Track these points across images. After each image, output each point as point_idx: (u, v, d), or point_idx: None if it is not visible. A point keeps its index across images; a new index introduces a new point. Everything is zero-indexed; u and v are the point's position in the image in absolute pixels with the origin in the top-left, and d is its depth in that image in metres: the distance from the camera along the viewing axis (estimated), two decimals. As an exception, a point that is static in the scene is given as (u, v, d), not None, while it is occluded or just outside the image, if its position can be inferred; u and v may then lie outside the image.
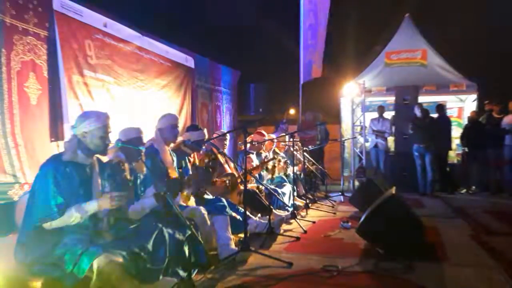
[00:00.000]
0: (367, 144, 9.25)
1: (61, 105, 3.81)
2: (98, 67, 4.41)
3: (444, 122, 8.23)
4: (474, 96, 9.32)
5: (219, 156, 4.59)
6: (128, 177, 2.84)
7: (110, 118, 2.55)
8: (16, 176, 3.32)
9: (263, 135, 5.89)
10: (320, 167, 7.48)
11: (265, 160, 5.80)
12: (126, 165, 2.86)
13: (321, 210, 5.96)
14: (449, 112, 9.65)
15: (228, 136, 4.92)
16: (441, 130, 7.97)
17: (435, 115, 8.32)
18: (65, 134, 3.74)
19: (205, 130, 4.00)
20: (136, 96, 5.07)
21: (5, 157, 3.26)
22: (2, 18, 3.28)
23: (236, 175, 4.62)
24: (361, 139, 9.32)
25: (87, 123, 2.45)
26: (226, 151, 4.85)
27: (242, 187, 4.23)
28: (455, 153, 9.59)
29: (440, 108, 8.28)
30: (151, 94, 5.40)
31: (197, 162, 4.25)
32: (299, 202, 6.03)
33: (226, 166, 4.71)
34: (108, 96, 4.55)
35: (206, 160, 3.81)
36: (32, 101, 3.56)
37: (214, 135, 4.83)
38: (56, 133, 3.75)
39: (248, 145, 5.15)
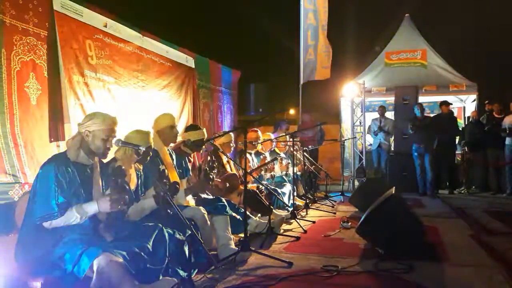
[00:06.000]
0: (367, 144, 9.25)
1: (61, 105, 3.80)
2: (99, 67, 4.40)
3: (449, 120, 8.20)
4: (474, 96, 9.33)
5: (222, 157, 4.60)
6: (134, 177, 2.85)
7: (117, 124, 2.56)
8: (17, 176, 3.32)
9: (256, 131, 5.84)
10: (319, 166, 7.49)
11: (265, 160, 5.80)
12: (133, 167, 2.87)
13: (321, 210, 5.96)
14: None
15: (232, 139, 4.92)
16: (447, 128, 7.95)
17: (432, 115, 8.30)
18: (66, 134, 3.73)
19: (204, 130, 4.00)
20: (137, 96, 5.06)
21: (5, 157, 3.26)
22: (2, 18, 3.28)
23: (237, 176, 4.62)
24: (365, 139, 9.31)
25: (92, 123, 2.46)
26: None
27: (242, 187, 4.23)
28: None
29: (445, 104, 8.19)
30: (152, 94, 5.40)
31: (197, 162, 4.25)
32: (299, 202, 6.03)
33: (227, 166, 4.71)
34: (109, 96, 4.55)
35: (205, 165, 3.80)
36: (32, 101, 3.57)
37: (216, 135, 4.83)
38: (56, 133, 3.74)
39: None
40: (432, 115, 9.07)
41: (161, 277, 2.46)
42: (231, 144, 4.88)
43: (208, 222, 3.35)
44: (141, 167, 3.03)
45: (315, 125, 8.34)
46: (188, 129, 4.00)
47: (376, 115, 9.15)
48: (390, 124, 8.79)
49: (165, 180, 2.70)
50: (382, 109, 8.96)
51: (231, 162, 4.79)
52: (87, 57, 4.25)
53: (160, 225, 2.62)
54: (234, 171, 4.78)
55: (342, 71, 10.78)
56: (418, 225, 3.74)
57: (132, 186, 2.85)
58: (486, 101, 8.43)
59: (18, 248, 2.33)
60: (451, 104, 8.48)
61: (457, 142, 8.75)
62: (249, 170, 5.05)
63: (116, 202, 2.35)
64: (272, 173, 5.88)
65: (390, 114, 9.48)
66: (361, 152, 9.24)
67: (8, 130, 3.31)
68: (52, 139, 3.72)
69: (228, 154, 4.79)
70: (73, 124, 3.78)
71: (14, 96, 3.38)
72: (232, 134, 5.04)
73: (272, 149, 6.53)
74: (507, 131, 7.45)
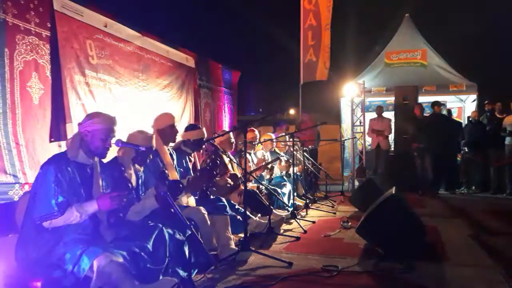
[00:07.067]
0: (367, 144, 9.25)
1: (63, 105, 3.81)
2: (100, 67, 4.41)
3: (443, 121, 8.17)
4: (474, 96, 9.33)
5: (223, 157, 4.59)
6: (133, 177, 2.85)
7: (117, 123, 2.56)
8: (17, 176, 3.32)
9: (253, 131, 5.82)
10: (319, 166, 7.49)
11: (265, 160, 5.80)
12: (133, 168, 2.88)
13: (321, 210, 5.96)
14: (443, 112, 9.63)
15: (232, 136, 4.90)
16: (441, 128, 7.91)
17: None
18: (68, 134, 3.73)
19: (204, 129, 4.00)
20: (138, 96, 5.07)
21: (6, 157, 3.26)
22: (4, 17, 3.28)
23: (239, 176, 4.61)
24: (365, 139, 9.30)
25: (91, 122, 2.46)
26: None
27: (242, 187, 4.23)
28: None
29: (437, 104, 8.12)
30: (153, 94, 5.40)
31: (197, 162, 4.25)
32: (299, 202, 6.03)
33: (229, 166, 4.69)
34: (110, 96, 4.55)
35: (205, 164, 3.81)
36: (34, 100, 3.57)
37: (215, 135, 4.82)
38: (58, 133, 3.74)
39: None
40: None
41: (161, 277, 2.47)
42: (231, 141, 4.85)
43: (208, 222, 3.35)
44: (141, 169, 3.03)
45: (315, 125, 8.33)
46: (187, 128, 4.00)
47: (375, 115, 9.15)
48: (387, 124, 8.80)
49: (166, 181, 2.70)
50: (379, 109, 8.99)
51: (233, 162, 4.77)
52: (88, 57, 4.25)
53: (160, 225, 2.63)
54: (236, 171, 4.77)
55: (342, 71, 10.80)
56: (418, 225, 3.74)
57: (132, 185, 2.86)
58: (486, 101, 8.43)
59: (18, 248, 2.33)
60: (443, 104, 8.46)
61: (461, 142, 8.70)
62: (250, 170, 5.05)
63: (116, 200, 2.35)
64: (271, 176, 5.86)
65: (390, 114, 9.48)
66: (361, 152, 9.24)
67: (10, 129, 3.31)
68: (53, 139, 3.72)
69: (229, 153, 4.79)
70: (75, 124, 3.78)
71: (16, 96, 3.38)
72: (232, 132, 5.02)
73: (273, 150, 6.52)
74: (508, 131, 7.45)
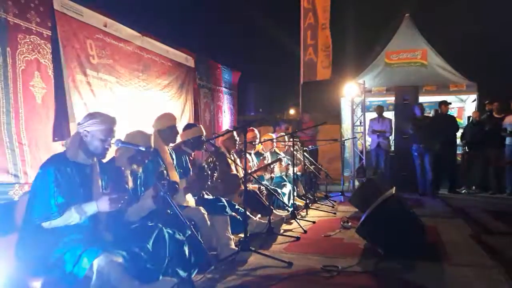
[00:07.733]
0: (368, 144, 9.25)
1: (66, 104, 3.81)
2: (100, 67, 4.41)
3: (447, 120, 8.18)
4: (474, 96, 9.33)
5: (226, 156, 4.58)
6: (129, 178, 2.85)
7: (116, 124, 2.55)
8: (17, 176, 3.32)
9: (253, 131, 5.80)
10: (319, 166, 7.49)
11: (266, 160, 5.79)
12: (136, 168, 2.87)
13: (321, 210, 5.96)
14: (449, 112, 9.63)
15: (235, 134, 4.89)
16: (445, 128, 7.92)
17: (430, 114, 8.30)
18: (71, 133, 3.73)
19: (201, 126, 3.99)
20: (139, 96, 5.07)
21: (9, 156, 3.26)
22: (5, 16, 3.29)
23: (238, 176, 4.60)
24: (365, 139, 9.30)
25: (91, 122, 2.45)
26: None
27: (242, 188, 4.22)
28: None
29: (444, 104, 8.13)
30: (154, 94, 5.41)
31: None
32: (299, 202, 6.03)
33: (232, 166, 4.68)
34: (111, 96, 4.56)
35: (204, 163, 3.79)
36: (37, 100, 3.57)
37: (215, 135, 4.81)
38: (61, 132, 3.74)
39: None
40: (431, 115, 9.07)
41: (161, 277, 2.46)
42: (235, 138, 4.81)
43: (208, 222, 3.34)
44: (140, 169, 3.03)
45: (315, 125, 8.33)
46: (185, 128, 3.99)
47: (375, 115, 9.15)
48: (388, 124, 8.79)
49: (163, 181, 2.70)
50: (380, 109, 8.98)
51: (236, 164, 4.75)
52: (89, 56, 4.26)
53: (160, 225, 2.62)
54: (240, 171, 4.75)
55: (342, 71, 10.79)
56: (418, 225, 3.75)
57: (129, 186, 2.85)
58: (487, 101, 8.42)
59: (18, 248, 2.33)
60: (450, 103, 8.46)
61: (459, 142, 8.71)
62: (251, 171, 5.05)
63: (115, 202, 2.35)
64: (272, 174, 5.87)
65: (390, 114, 9.47)
66: (361, 152, 9.24)
67: (13, 129, 3.31)
68: (56, 138, 3.72)
69: (233, 152, 4.77)
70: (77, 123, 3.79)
71: (19, 95, 3.38)
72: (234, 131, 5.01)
73: (273, 150, 6.51)
74: (508, 131, 7.45)
